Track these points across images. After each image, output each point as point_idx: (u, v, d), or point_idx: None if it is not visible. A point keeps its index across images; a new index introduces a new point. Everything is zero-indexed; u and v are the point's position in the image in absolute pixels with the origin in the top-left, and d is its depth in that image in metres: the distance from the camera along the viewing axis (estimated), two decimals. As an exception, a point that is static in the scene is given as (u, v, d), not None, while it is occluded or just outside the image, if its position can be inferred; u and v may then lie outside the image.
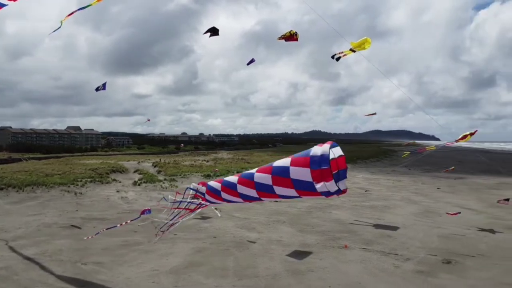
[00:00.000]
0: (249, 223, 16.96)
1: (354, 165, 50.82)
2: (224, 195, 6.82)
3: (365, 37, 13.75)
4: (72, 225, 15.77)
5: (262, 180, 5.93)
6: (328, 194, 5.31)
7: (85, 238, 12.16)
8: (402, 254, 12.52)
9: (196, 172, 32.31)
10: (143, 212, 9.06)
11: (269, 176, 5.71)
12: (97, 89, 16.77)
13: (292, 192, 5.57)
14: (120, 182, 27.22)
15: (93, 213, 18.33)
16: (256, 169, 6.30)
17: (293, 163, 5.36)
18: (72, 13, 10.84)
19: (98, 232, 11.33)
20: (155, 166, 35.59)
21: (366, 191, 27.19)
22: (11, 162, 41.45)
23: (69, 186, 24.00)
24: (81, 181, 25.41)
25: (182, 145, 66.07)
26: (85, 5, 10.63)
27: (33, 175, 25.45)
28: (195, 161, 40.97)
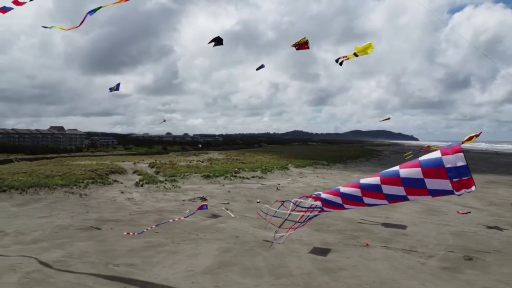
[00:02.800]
0: (264, 222, 17.01)
1: (346, 165, 51.66)
2: (344, 189, 6.93)
3: (368, 42, 14.19)
4: (91, 227, 15.65)
5: (393, 191, 6.13)
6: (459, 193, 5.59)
7: (146, 229, 11.71)
8: (423, 251, 12.96)
9: (195, 173, 32.30)
10: (200, 208, 9.11)
11: (402, 188, 5.93)
12: (110, 90, 16.80)
13: (424, 196, 5.87)
14: (121, 183, 27.00)
15: (104, 214, 18.18)
16: (380, 178, 6.47)
17: (426, 175, 5.57)
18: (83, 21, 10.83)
19: (143, 231, 11.25)
20: (152, 167, 35.34)
21: (366, 190, 27.76)
22: (2, 163, 40.43)
23: (71, 188, 23.67)
24: (82, 182, 25.09)
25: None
26: (96, 8, 10.61)
27: (33, 176, 24.99)
28: (190, 162, 40.84)
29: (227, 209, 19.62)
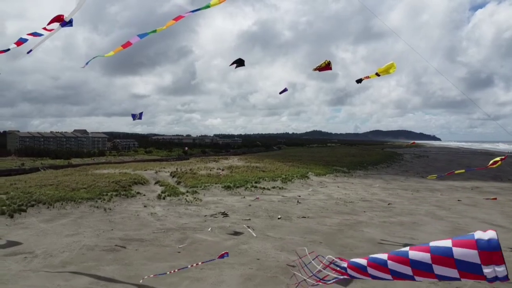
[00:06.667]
0: (286, 244, 17.12)
1: (366, 172, 51.05)
2: (371, 270, 6.87)
3: (391, 62, 14.05)
4: (116, 245, 16.02)
5: (418, 258, 6.00)
6: (494, 279, 5.43)
7: (168, 272, 11.85)
8: (450, 282, 12.71)
9: (215, 183, 32.53)
10: (221, 256, 9.18)
11: (428, 254, 5.80)
12: (134, 118, 17.16)
13: (453, 272, 5.66)
14: (144, 195, 27.43)
15: (129, 232, 18.50)
16: (409, 247, 6.40)
17: (455, 244, 5.48)
18: (127, 44, 10.95)
19: (165, 273, 11.45)
20: (173, 176, 35.79)
21: (389, 204, 27.39)
22: (28, 172, 41.63)
23: (96, 201, 24.19)
24: (106, 195, 25.61)
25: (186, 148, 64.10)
26: (149, 32, 10.65)
27: (59, 189, 25.65)
28: (210, 170, 41.12)
29: (248, 227, 19.71)
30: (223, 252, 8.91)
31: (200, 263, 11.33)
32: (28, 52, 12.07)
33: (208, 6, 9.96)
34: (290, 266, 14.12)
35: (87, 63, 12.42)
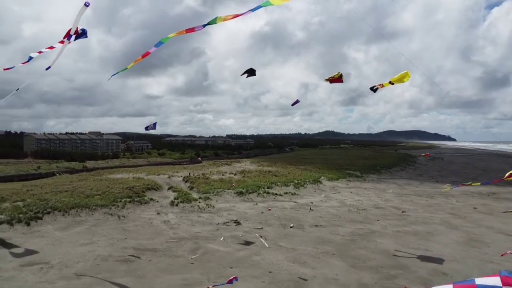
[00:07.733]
0: (298, 255, 17.06)
1: (380, 176, 50.57)
2: None
3: (405, 71, 13.95)
4: (131, 255, 16.21)
5: None
6: None
7: None
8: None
9: (228, 189, 32.60)
10: (230, 281, 9.16)
11: None
12: (147, 128, 17.34)
13: None
14: (157, 201, 27.64)
15: (142, 241, 18.66)
16: None
17: None
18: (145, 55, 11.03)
19: None
20: (186, 181, 35.99)
21: (402, 212, 27.10)
22: (44, 176, 42.47)
23: (110, 208, 24.44)
24: (120, 201, 25.86)
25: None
26: (164, 38, 10.68)
27: (74, 195, 26.00)
28: (223, 174, 41.22)
29: (261, 237, 19.72)
30: (232, 277, 8.89)
31: (211, 287, 11.25)
32: (47, 69, 12.35)
33: (214, 22, 10.01)
34: (301, 280, 14.09)
35: (113, 75, 12.52)
